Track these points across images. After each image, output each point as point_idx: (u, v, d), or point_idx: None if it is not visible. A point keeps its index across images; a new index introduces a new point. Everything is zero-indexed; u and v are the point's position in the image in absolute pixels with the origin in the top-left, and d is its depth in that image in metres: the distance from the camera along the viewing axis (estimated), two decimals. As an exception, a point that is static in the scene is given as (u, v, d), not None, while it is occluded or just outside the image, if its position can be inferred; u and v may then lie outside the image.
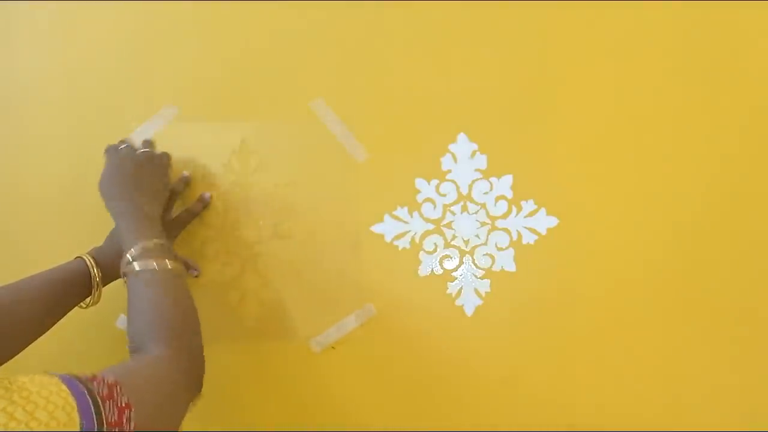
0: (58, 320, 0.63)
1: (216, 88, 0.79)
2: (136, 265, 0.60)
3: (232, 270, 0.79)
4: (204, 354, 0.62)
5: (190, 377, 0.59)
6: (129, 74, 0.79)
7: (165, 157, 0.74)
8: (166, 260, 0.62)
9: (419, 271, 0.78)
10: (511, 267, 0.78)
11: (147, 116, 0.80)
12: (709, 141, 0.77)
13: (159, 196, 0.70)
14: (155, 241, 0.63)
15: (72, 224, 0.79)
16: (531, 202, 0.78)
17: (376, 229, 0.78)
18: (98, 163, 0.79)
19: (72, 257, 0.68)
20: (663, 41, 0.77)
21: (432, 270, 0.78)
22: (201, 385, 0.60)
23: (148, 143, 0.73)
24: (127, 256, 0.61)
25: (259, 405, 0.79)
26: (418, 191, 0.78)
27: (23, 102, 0.80)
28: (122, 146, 0.71)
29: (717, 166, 0.77)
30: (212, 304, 0.79)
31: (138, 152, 0.71)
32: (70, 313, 0.65)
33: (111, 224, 0.74)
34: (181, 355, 0.57)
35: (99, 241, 0.71)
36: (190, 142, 0.79)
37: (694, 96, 0.77)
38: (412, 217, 0.78)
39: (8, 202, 0.80)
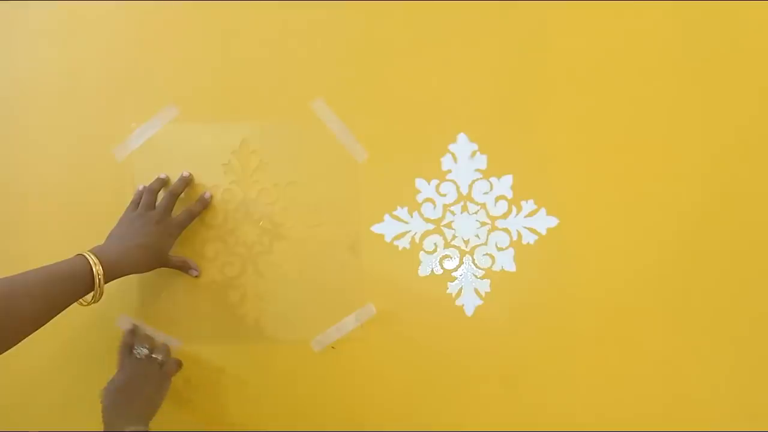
0: (55, 315, 0.63)
1: (216, 88, 0.79)
2: None
3: (232, 270, 0.79)
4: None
5: None
6: (129, 74, 0.80)
7: (175, 366, 0.75)
8: None
9: (419, 271, 0.78)
10: (511, 267, 0.78)
11: (147, 117, 0.80)
12: (709, 140, 0.77)
13: (154, 410, 0.71)
14: None
15: (72, 224, 0.79)
16: (531, 202, 0.78)
17: (376, 229, 0.78)
18: (98, 164, 0.79)
19: (71, 256, 0.68)
20: (663, 41, 0.77)
21: (432, 270, 0.78)
22: None
23: (165, 349, 0.75)
24: None
25: (259, 404, 0.79)
26: (418, 191, 0.78)
27: (23, 102, 0.80)
28: (140, 350, 0.73)
29: (717, 166, 0.77)
30: (212, 304, 0.79)
31: (153, 363, 0.73)
32: (70, 312, 0.65)
33: (110, 224, 0.74)
34: None
35: (99, 240, 0.71)
36: (190, 143, 0.79)
37: (695, 96, 0.77)
38: (412, 217, 0.78)
39: (8, 202, 0.80)
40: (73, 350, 0.80)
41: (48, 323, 0.62)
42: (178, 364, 0.76)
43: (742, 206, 0.77)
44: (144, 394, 0.70)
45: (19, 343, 0.60)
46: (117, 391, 0.70)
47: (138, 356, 0.73)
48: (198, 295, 0.79)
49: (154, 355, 0.74)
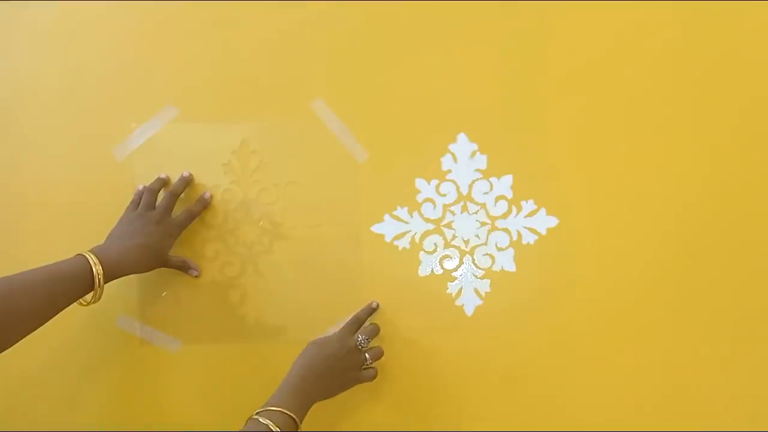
0: (54, 315, 0.63)
1: (216, 88, 0.79)
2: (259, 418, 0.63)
3: (232, 270, 0.79)
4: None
5: None
6: (129, 74, 0.79)
7: (372, 375, 0.74)
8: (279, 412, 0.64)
9: (419, 271, 0.78)
10: (511, 267, 0.78)
11: (147, 117, 0.80)
12: (709, 140, 0.77)
13: (335, 392, 0.71)
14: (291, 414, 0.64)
15: (72, 224, 0.79)
16: (531, 202, 0.78)
17: (376, 229, 0.78)
18: (98, 164, 0.79)
19: (71, 256, 0.68)
20: (663, 42, 0.77)
21: (432, 270, 0.78)
22: None
23: (377, 355, 0.74)
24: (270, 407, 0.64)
25: (259, 405, 0.79)
26: (418, 191, 0.78)
27: (23, 102, 0.80)
28: (364, 339, 0.73)
29: (716, 165, 0.77)
30: (212, 304, 0.79)
31: (361, 357, 0.72)
32: (70, 312, 0.65)
33: (110, 224, 0.74)
34: None
35: (99, 240, 0.71)
36: (190, 143, 0.79)
37: (694, 96, 0.77)
38: (412, 217, 0.78)
39: (8, 202, 0.80)
40: (73, 350, 0.80)
41: (48, 323, 0.62)
42: (374, 376, 0.74)
43: (741, 205, 0.77)
44: (339, 376, 0.70)
45: (19, 343, 0.60)
46: (324, 355, 0.69)
47: (358, 343, 0.72)
48: (198, 295, 0.79)
49: (367, 355, 0.73)
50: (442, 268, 0.78)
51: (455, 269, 0.78)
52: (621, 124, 0.77)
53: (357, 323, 0.75)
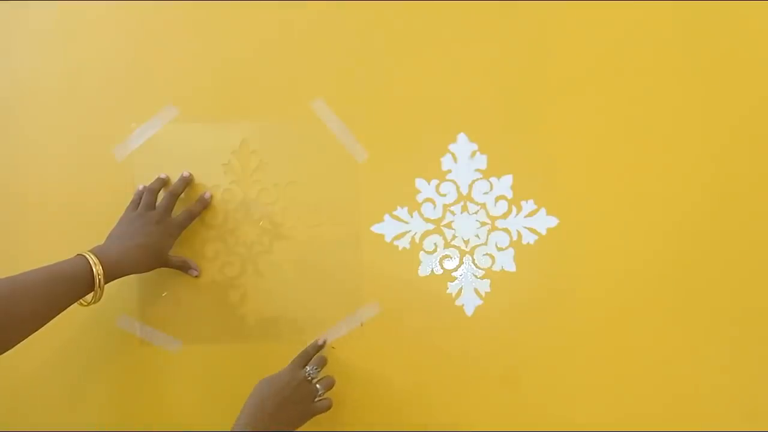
0: (55, 315, 0.63)
1: (216, 88, 0.79)
2: None
3: (232, 270, 0.79)
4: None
5: None
6: (129, 75, 0.80)
7: (327, 405, 0.73)
8: None
9: (419, 271, 0.78)
10: (511, 267, 0.78)
11: (147, 117, 0.80)
12: (707, 139, 0.77)
13: (291, 426, 0.70)
14: None
15: (71, 223, 0.79)
16: (531, 202, 0.78)
17: (376, 229, 0.78)
18: (98, 164, 0.79)
19: (71, 256, 0.68)
20: (663, 42, 0.77)
21: (432, 270, 0.78)
22: None
23: (328, 385, 0.74)
24: None
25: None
26: (418, 191, 0.78)
27: (24, 102, 0.80)
28: (313, 371, 0.73)
29: (715, 165, 0.77)
30: (212, 304, 0.79)
31: (313, 388, 0.72)
32: (70, 312, 0.65)
33: (110, 223, 0.74)
34: None
35: (99, 240, 0.71)
36: (190, 143, 0.79)
37: (694, 97, 0.77)
38: (412, 217, 0.78)
39: (8, 202, 0.80)
40: (73, 350, 0.80)
41: (48, 323, 0.62)
42: (328, 407, 0.74)
43: (741, 206, 0.77)
44: (292, 410, 0.69)
45: (20, 344, 0.60)
46: (273, 391, 0.69)
47: (307, 375, 0.72)
48: (198, 295, 0.79)
49: (318, 386, 0.72)
50: (442, 268, 0.78)
51: (455, 269, 0.78)
52: (621, 125, 0.77)
53: (306, 357, 0.74)
